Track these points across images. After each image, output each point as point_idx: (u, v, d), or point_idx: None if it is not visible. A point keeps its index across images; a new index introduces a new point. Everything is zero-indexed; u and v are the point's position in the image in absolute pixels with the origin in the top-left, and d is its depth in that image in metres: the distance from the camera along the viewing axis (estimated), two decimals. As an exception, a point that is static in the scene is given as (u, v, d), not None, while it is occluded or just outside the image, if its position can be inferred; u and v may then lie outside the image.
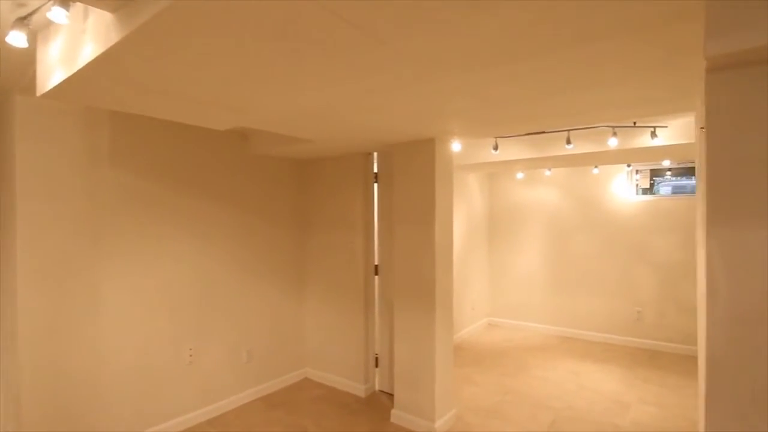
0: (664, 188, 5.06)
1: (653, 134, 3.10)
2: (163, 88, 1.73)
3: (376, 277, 3.67)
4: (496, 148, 3.34)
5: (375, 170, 3.66)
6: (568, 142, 3.09)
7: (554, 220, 5.46)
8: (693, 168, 5.01)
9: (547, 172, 5.27)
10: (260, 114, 2.15)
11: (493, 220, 5.94)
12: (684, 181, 5.08)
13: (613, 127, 3.05)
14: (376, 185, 3.67)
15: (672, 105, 2.11)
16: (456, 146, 3.28)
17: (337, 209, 3.74)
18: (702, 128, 1.59)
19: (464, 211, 5.35)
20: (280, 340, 3.76)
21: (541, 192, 5.54)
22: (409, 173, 3.04)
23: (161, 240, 2.92)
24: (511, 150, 3.85)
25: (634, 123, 3.09)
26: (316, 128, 2.53)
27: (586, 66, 1.55)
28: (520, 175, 5.54)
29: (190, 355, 3.09)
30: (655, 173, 5.36)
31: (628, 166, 4.62)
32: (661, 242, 4.82)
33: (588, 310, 5.24)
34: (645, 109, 2.17)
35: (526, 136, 3.64)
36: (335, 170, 3.76)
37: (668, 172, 5.24)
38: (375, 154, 3.63)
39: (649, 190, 5.09)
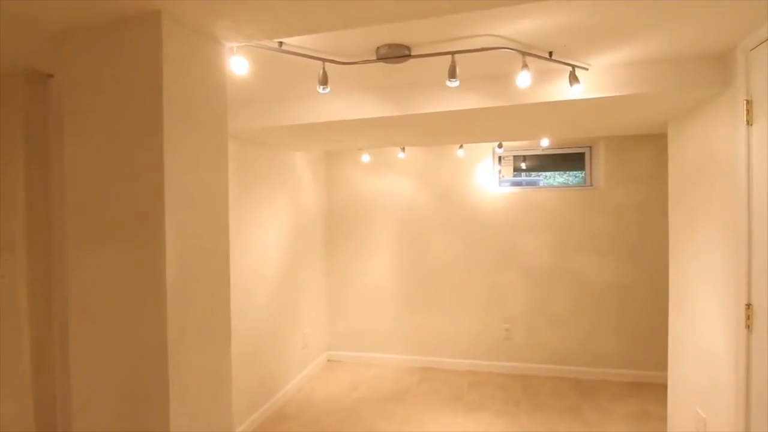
0: (504, 182, 4.24)
1: (573, 77, 1.91)
2: None
3: (75, 349, 1.68)
4: (324, 82, 1.73)
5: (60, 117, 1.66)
6: (453, 74, 1.67)
7: (409, 218, 4.19)
8: (555, 157, 4.33)
9: (401, 154, 3.96)
10: None
11: (332, 219, 4.39)
12: (519, 177, 4.34)
13: (523, 53, 1.74)
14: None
15: None
16: (240, 65, 1.55)
17: (-28, 203, 1.63)
18: None
19: (289, 207, 3.65)
20: None
21: (393, 181, 4.22)
22: (96, 110, 1.20)
23: None
24: (353, 102, 2.30)
25: (550, 54, 1.84)
26: None
27: None
28: (365, 158, 4.10)
29: None
30: (517, 162, 4.56)
31: (499, 146, 3.60)
32: (529, 243, 3.94)
33: (450, 332, 4.11)
34: None
35: (379, 78, 2.13)
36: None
37: (523, 163, 4.48)
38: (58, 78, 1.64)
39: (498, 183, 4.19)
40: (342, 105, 2.33)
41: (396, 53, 1.70)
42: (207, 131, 1.32)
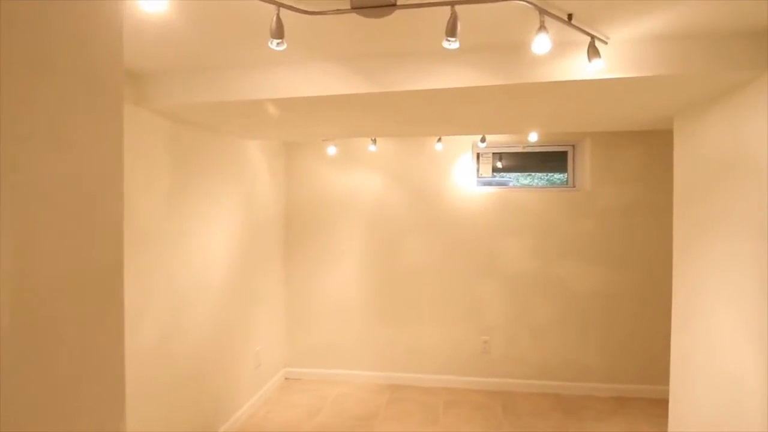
0: (480, 182, 3.91)
1: (592, 50, 1.54)
2: None
3: None
4: (278, 35, 1.27)
5: None
6: (452, 32, 1.25)
7: (380, 219, 3.77)
8: (535, 155, 4.03)
9: (372, 147, 3.52)
10: None
11: (292, 219, 3.89)
12: (490, 177, 4.00)
13: (540, 9, 1.35)
14: None
15: None
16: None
17: None
18: None
19: (241, 205, 3.13)
20: None
21: (362, 177, 3.77)
22: None
23: None
24: (318, 74, 1.85)
25: (569, 16, 1.47)
26: None
27: None
28: (331, 150, 3.64)
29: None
30: (495, 160, 4.23)
31: (482, 141, 3.24)
32: (509, 248, 3.62)
33: (423, 345, 3.72)
34: None
35: (351, 45, 1.69)
36: None
37: (499, 162, 4.17)
38: None
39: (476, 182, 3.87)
40: (303, 78, 1.86)
41: (377, 1, 1.26)
42: (85, 84, 0.83)
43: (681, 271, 2.28)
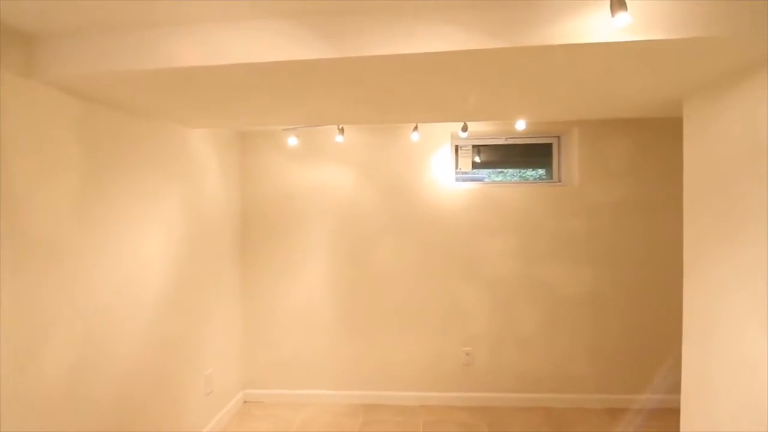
0: (463, 178, 3.57)
1: (616, 0, 1.20)
2: None
3: None
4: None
5: None
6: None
7: (349, 219, 3.36)
8: (516, 148, 3.72)
9: (339, 137, 3.10)
10: None
11: (249, 222, 3.42)
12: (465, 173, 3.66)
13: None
14: None
15: None
16: None
17: None
18: None
19: (183, 206, 2.65)
20: None
21: (329, 172, 3.35)
22: None
23: None
24: (264, 35, 1.43)
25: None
26: None
27: None
28: (292, 141, 3.20)
29: None
30: (474, 153, 3.89)
31: (464, 129, 2.89)
32: (492, 249, 3.29)
33: (400, 359, 3.35)
34: None
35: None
36: None
37: (477, 157, 3.83)
38: None
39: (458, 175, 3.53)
40: (246, 39, 1.44)
41: None
42: None
43: (695, 277, 1.99)
